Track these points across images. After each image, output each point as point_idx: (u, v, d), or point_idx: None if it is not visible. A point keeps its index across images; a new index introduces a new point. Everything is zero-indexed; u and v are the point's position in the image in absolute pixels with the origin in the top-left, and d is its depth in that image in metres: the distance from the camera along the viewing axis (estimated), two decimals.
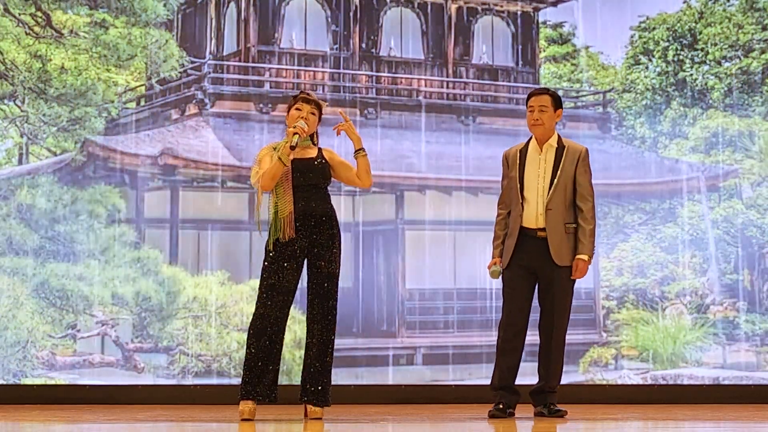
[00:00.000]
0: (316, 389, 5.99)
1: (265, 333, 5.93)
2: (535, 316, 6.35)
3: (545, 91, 6.42)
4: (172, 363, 8.26)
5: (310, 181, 6.03)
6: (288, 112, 6.13)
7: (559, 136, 6.38)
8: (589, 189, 6.34)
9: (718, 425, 5.82)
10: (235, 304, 8.38)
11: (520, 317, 6.26)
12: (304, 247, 5.99)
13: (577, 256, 6.24)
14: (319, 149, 6.16)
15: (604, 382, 8.46)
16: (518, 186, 6.29)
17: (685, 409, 7.31)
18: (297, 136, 5.93)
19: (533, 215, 6.25)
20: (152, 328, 8.27)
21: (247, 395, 5.92)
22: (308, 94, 6.16)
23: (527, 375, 6.54)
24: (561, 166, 6.29)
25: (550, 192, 6.25)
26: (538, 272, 6.27)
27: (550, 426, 5.64)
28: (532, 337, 6.36)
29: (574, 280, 6.30)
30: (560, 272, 6.24)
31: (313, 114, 6.08)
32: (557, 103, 6.38)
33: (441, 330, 8.57)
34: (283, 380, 8.08)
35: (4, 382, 8.06)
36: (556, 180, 6.26)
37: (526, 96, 6.49)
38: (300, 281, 6.06)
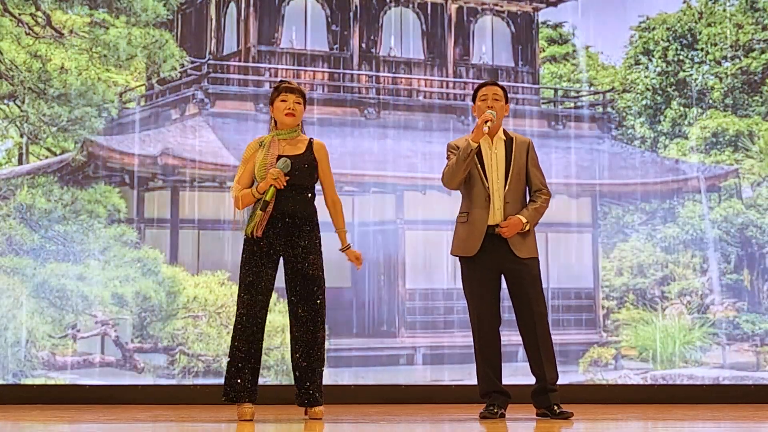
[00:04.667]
0: (303, 388, 5.94)
1: (252, 334, 5.89)
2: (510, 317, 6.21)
3: (496, 82, 6.25)
4: (172, 363, 8.26)
5: (294, 180, 5.89)
6: (272, 103, 6.01)
7: (504, 129, 6.20)
8: (544, 179, 6.18)
9: (718, 425, 5.82)
10: (235, 304, 8.36)
11: (495, 317, 6.09)
12: (278, 245, 5.91)
13: (518, 215, 6.02)
14: (310, 142, 6.03)
15: (604, 382, 8.45)
16: (483, 180, 6.05)
17: (685, 409, 7.30)
18: (273, 188, 5.81)
19: (492, 211, 6.06)
20: (152, 328, 8.27)
21: (241, 398, 5.88)
22: (290, 82, 6.04)
23: (525, 375, 6.52)
24: (513, 158, 6.10)
25: (507, 185, 6.06)
26: (504, 270, 6.08)
27: (550, 426, 5.63)
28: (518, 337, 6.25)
29: (539, 270, 6.12)
30: (526, 265, 6.05)
31: (298, 104, 5.96)
32: (506, 96, 6.22)
33: (441, 330, 8.56)
34: (283, 380, 8.10)
35: (4, 382, 8.06)
36: (510, 173, 6.07)
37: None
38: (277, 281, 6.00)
